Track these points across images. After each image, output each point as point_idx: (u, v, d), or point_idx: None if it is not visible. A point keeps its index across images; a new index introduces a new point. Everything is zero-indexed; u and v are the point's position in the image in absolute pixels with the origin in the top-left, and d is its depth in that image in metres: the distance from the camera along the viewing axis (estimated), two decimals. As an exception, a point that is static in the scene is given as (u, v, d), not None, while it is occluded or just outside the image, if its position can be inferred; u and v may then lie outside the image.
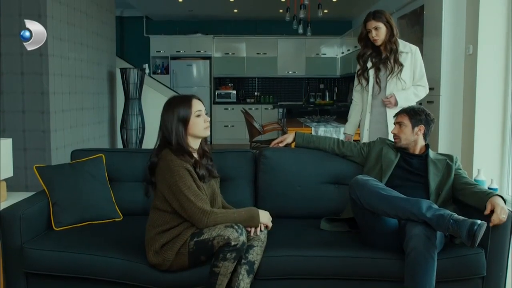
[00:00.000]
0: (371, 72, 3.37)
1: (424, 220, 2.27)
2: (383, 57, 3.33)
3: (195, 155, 2.44)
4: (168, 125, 2.36)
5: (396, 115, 2.81)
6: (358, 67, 3.46)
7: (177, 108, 2.37)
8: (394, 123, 2.81)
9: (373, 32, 3.25)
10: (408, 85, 3.32)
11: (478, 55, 3.96)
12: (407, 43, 3.40)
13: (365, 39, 3.35)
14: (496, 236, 2.38)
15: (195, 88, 10.11)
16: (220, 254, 2.20)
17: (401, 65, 3.29)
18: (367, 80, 3.38)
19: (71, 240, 2.55)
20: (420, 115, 2.71)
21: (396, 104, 3.27)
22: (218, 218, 2.26)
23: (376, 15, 3.26)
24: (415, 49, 3.37)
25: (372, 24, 3.25)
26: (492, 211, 2.33)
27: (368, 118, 3.40)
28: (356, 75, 3.48)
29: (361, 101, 3.51)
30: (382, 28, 3.24)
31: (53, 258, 2.45)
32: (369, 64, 3.38)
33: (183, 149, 2.35)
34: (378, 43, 3.29)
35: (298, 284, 2.43)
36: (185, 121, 2.37)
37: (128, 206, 2.93)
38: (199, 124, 2.40)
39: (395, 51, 3.28)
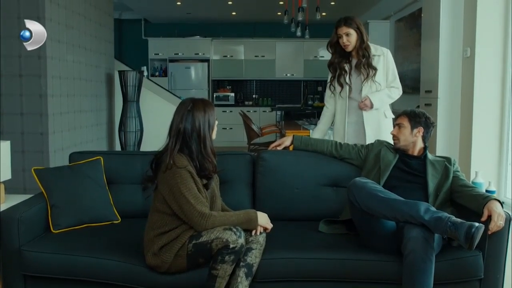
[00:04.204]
0: (346, 78, 3.36)
1: (422, 223, 2.28)
2: (356, 63, 3.34)
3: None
4: (200, 126, 2.37)
5: (397, 117, 2.83)
6: (330, 75, 3.45)
7: (207, 112, 2.40)
8: (394, 125, 2.83)
9: (344, 38, 3.28)
10: (382, 87, 3.35)
11: (476, 58, 3.97)
12: (378, 46, 3.42)
13: (335, 45, 3.37)
14: (494, 238, 2.39)
15: (194, 90, 10.09)
16: (219, 256, 2.20)
17: (375, 68, 3.32)
18: (342, 86, 3.39)
19: (69, 242, 2.55)
20: (420, 117, 2.74)
21: (371, 106, 3.31)
22: (217, 221, 2.27)
23: (347, 22, 3.28)
24: (386, 51, 3.40)
25: (343, 30, 3.27)
26: (489, 217, 2.34)
27: (346, 120, 3.40)
28: (328, 83, 3.46)
29: (333, 107, 3.51)
30: (353, 34, 3.27)
31: (51, 260, 2.45)
32: (342, 70, 3.37)
33: (207, 154, 2.39)
34: (349, 49, 3.31)
35: (296, 287, 2.43)
36: (212, 127, 2.43)
37: (126, 208, 2.93)
38: (215, 130, 2.48)
39: (367, 57, 3.31)
